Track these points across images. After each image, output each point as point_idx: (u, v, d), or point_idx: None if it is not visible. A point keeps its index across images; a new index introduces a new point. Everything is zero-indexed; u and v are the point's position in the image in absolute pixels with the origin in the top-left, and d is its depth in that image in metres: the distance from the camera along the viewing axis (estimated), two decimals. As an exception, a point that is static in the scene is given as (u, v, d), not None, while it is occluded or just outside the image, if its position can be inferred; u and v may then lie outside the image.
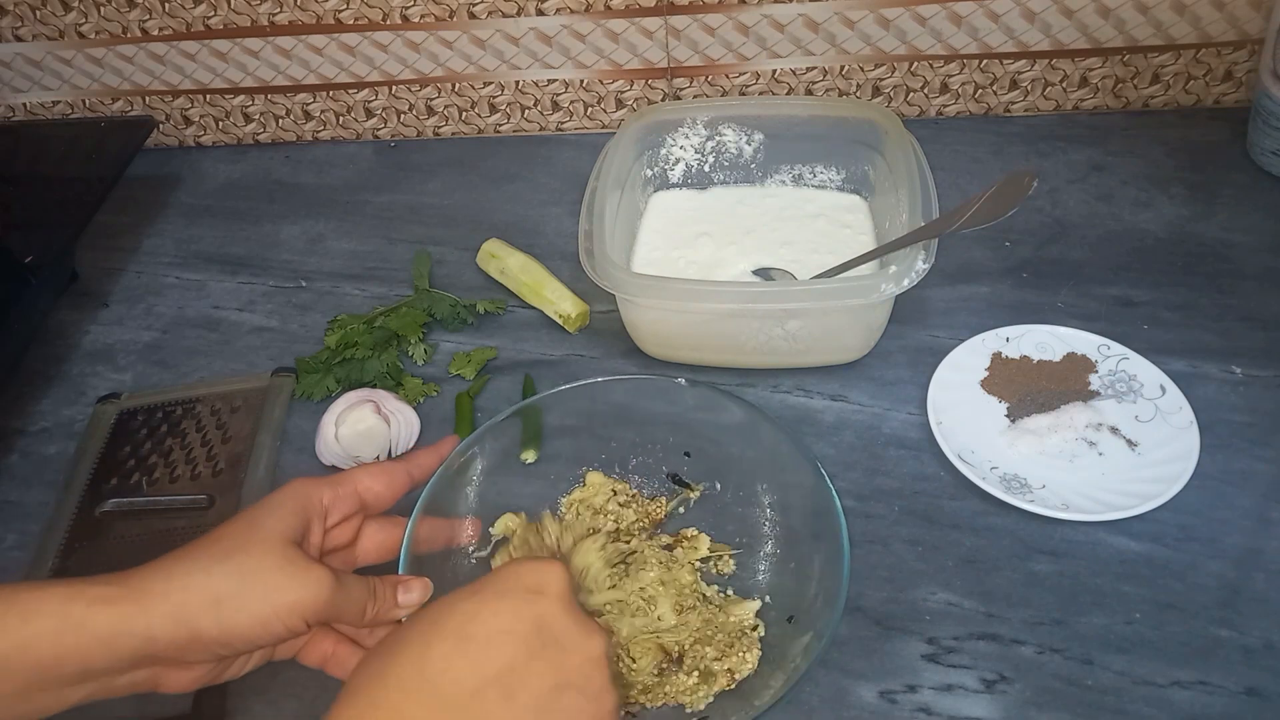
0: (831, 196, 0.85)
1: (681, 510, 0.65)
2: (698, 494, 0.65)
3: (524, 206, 0.93)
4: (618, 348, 0.78)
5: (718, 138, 0.85)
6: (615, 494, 0.65)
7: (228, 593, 0.46)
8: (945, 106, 0.96)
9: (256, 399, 0.76)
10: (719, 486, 0.65)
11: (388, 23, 0.94)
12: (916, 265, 0.66)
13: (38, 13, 0.96)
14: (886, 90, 0.95)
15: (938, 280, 0.78)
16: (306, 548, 0.50)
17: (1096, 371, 0.71)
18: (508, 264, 0.83)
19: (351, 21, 0.94)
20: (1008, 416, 0.70)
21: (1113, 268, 0.79)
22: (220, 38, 0.96)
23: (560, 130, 1.01)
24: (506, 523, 0.63)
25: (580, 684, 0.45)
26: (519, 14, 0.92)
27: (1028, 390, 0.71)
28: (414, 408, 0.74)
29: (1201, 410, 0.67)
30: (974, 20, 0.89)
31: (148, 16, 0.95)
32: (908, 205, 0.71)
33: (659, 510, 0.65)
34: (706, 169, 0.86)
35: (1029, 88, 0.93)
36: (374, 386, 0.75)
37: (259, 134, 1.04)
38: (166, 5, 0.94)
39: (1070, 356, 0.72)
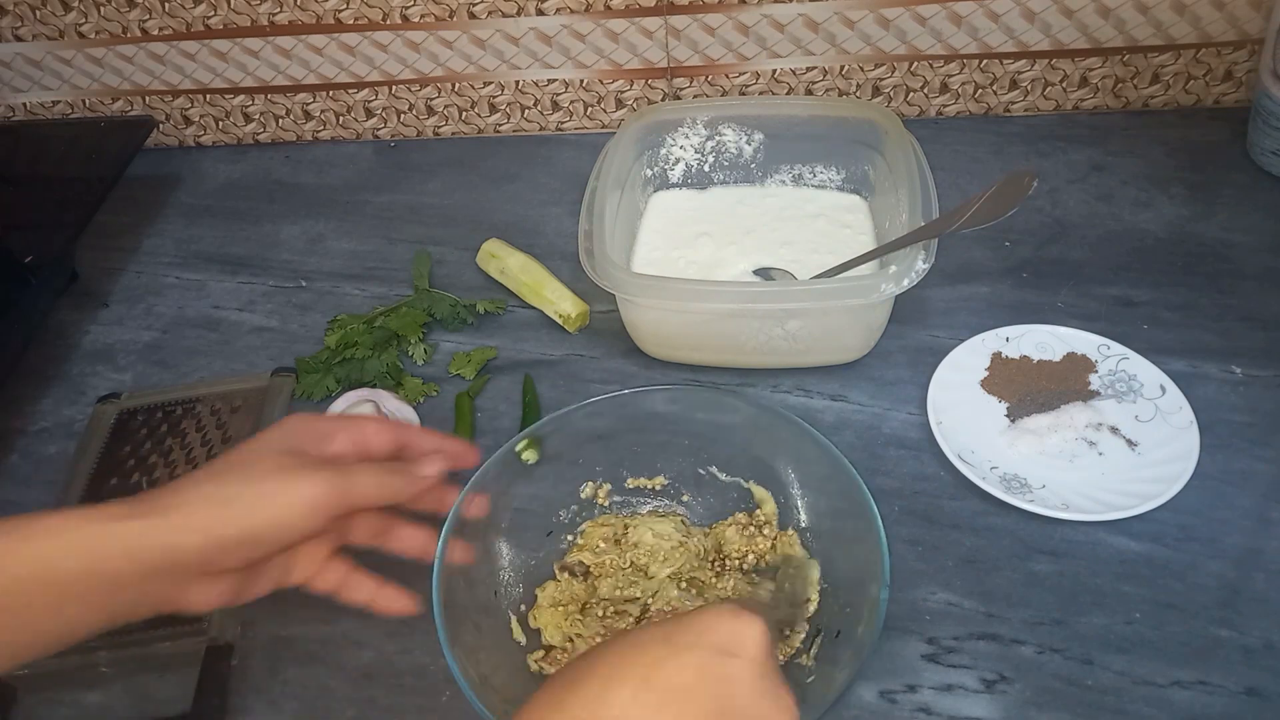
0: (831, 196, 0.85)
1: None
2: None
3: (524, 206, 0.93)
4: (618, 348, 0.78)
5: (718, 138, 0.85)
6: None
7: (237, 494, 0.47)
8: (945, 106, 0.96)
9: (256, 399, 0.76)
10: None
11: (387, 22, 0.94)
12: (916, 265, 0.66)
13: (38, 12, 0.96)
14: (886, 90, 0.95)
15: (938, 280, 0.78)
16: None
17: (1096, 371, 0.71)
18: (508, 264, 0.83)
19: (351, 21, 0.94)
20: (1008, 416, 0.70)
21: (1113, 268, 0.79)
22: (220, 37, 0.96)
23: (560, 130, 1.01)
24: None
25: None
26: (519, 14, 0.92)
27: (1028, 390, 0.71)
28: (414, 407, 0.74)
29: (1201, 410, 0.67)
30: (974, 20, 0.89)
31: (148, 16, 0.95)
32: (908, 205, 0.71)
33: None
34: (706, 169, 0.86)
35: (1029, 87, 0.93)
36: (374, 386, 0.75)
37: (259, 134, 1.04)
38: (166, 5, 0.94)
39: (1070, 356, 0.72)
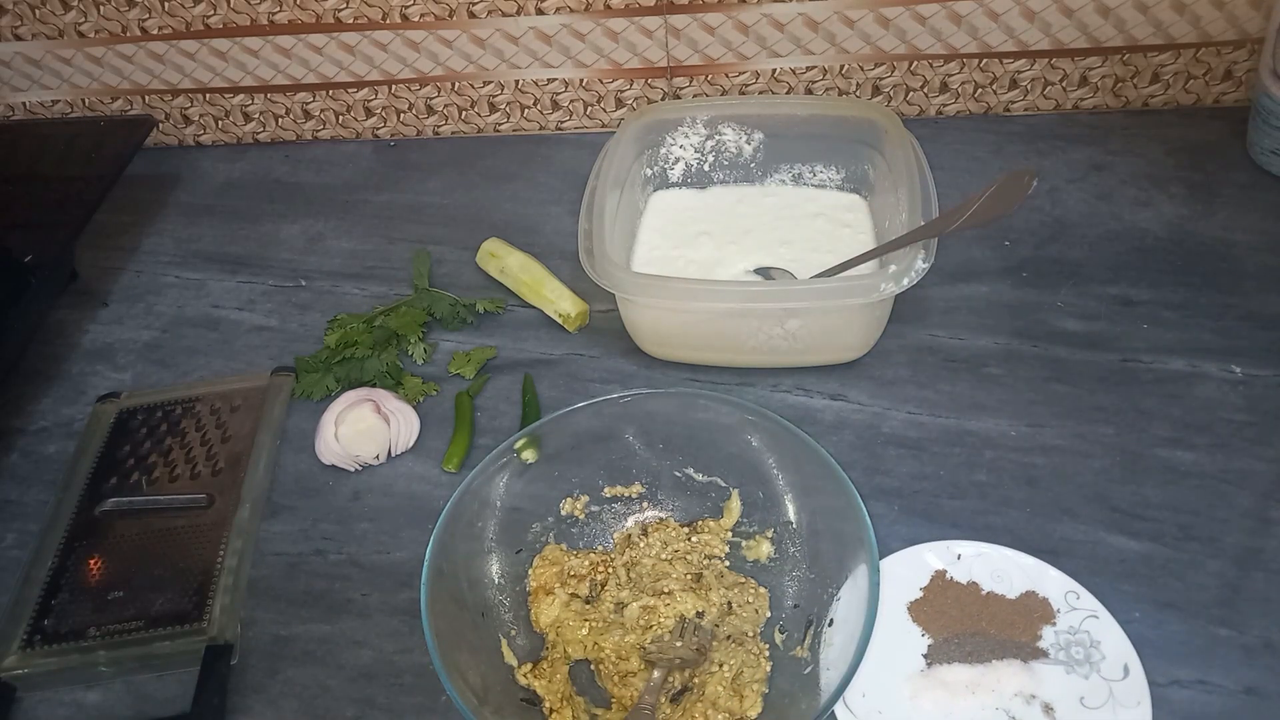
0: (831, 196, 0.85)
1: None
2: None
3: (524, 206, 0.92)
4: (617, 347, 0.78)
5: (717, 137, 0.85)
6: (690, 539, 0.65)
7: None
8: (945, 106, 0.96)
9: (256, 398, 0.76)
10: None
11: (387, 22, 0.94)
12: (916, 264, 0.66)
13: (37, 11, 0.96)
14: (886, 89, 0.95)
15: (937, 280, 0.78)
16: None
17: (1054, 624, 0.57)
18: (507, 263, 0.83)
19: (351, 20, 0.94)
20: (925, 657, 0.57)
21: (1112, 267, 0.79)
22: (220, 37, 0.96)
23: (560, 129, 1.01)
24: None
25: None
26: (518, 13, 0.92)
27: (960, 629, 0.58)
28: (414, 407, 0.74)
29: (1201, 410, 0.66)
30: (974, 19, 0.89)
31: (147, 15, 0.95)
32: (907, 204, 0.71)
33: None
34: (706, 168, 0.86)
35: (1029, 87, 0.93)
36: (374, 386, 0.75)
37: (258, 133, 1.04)
38: (166, 4, 0.94)
39: (1028, 597, 0.59)
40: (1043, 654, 0.56)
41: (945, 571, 0.60)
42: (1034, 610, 0.58)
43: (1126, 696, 0.54)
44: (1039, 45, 0.90)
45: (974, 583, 0.59)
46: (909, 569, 0.60)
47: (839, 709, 0.54)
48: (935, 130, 0.92)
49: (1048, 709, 0.54)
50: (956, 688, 0.55)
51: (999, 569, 0.60)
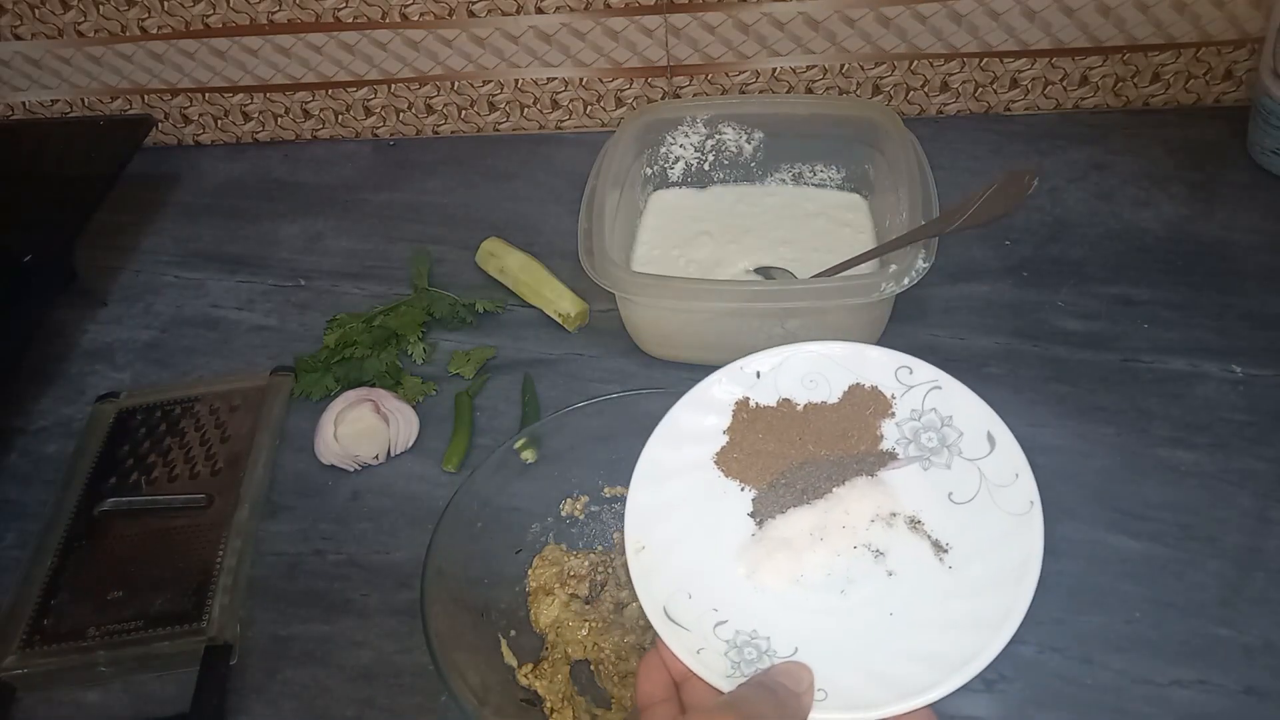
0: (831, 195, 0.85)
1: None
2: None
3: (523, 205, 0.92)
4: (617, 347, 0.78)
5: (717, 136, 0.84)
6: None
7: None
8: (945, 105, 0.96)
9: (255, 398, 0.76)
10: None
11: (387, 21, 0.94)
12: (916, 264, 0.66)
13: (36, 11, 0.96)
14: (886, 89, 0.95)
15: (938, 279, 0.78)
16: None
17: (893, 415, 0.45)
18: (507, 263, 0.83)
19: (350, 20, 0.94)
20: (751, 516, 0.44)
21: (1113, 267, 0.79)
22: (219, 36, 0.96)
23: (560, 129, 1.01)
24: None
25: None
26: (518, 12, 0.92)
27: (783, 465, 0.44)
28: (413, 407, 0.74)
29: (1201, 410, 0.66)
30: (974, 18, 0.89)
31: (146, 15, 0.95)
32: (908, 204, 0.71)
33: None
34: (706, 167, 0.86)
35: (1029, 86, 0.93)
36: (373, 385, 0.75)
37: (258, 132, 1.04)
38: (165, 4, 0.94)
39: (854, 393, 0.46)
40: (891, 458, 0.44)
41: (748, 400, 0.46)
42: (865, 406, 0.45)
43: (999, 473, 0.42)
44: (1039, 44, 0.90)
45: (786, 400, 0.46)
46: (701, 414, 0.46)
47: (662, 627, 0.40)
48: (935, 130, 0.92)
49: (914, 523, 0.42)
50: (799, 541, 0.42)
51: (810, 372, 0.46)
